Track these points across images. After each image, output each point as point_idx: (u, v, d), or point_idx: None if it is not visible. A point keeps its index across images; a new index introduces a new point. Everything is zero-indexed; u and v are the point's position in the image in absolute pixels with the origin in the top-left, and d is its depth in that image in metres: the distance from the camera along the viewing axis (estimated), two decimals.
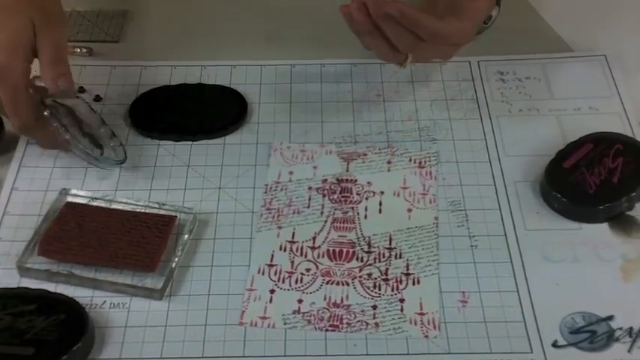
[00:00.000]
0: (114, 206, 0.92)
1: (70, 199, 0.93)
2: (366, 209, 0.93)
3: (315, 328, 0.83)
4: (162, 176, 0.97)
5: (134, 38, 1.16)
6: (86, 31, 1.16)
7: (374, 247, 0.89)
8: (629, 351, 0.81)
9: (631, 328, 0.82)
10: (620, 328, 0.82)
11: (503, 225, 0.92)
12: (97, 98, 1.06)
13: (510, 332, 0.82)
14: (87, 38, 1.15)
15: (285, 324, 0.83)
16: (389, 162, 0.98)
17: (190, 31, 1.16)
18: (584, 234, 0.91)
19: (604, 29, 1.14)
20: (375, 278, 0.87)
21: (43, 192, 0.95)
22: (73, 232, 0.88)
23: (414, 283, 0.86)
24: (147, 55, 1.12)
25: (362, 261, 0.88)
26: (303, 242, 0.90)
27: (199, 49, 1.13)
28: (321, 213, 0.93)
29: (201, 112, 1.03)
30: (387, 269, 0.88)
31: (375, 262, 0.88)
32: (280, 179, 0.96)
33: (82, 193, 0.93)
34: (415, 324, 0.83)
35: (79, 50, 1.12)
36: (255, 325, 0.83)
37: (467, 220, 0.92)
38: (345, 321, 0.83)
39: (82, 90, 1.06)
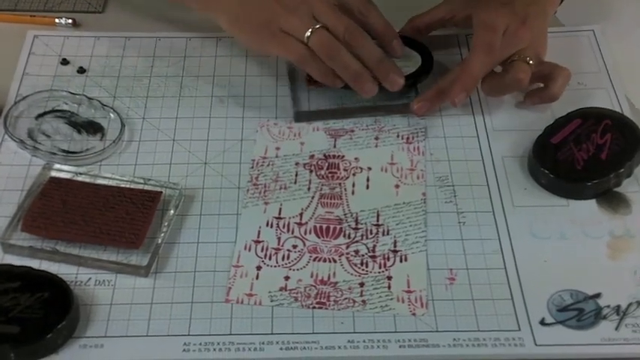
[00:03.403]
0: (98, 181, 0.91)
1: (53, 173, 0.92)
2: (353, 185, 0.93)
3: (302, 305, 0.82)
4: (148, 151, 0.96)
5: (118, 8, 1.14)
6: (69, 1, 1.14)
7: (361, 224, 0.89)
8: (616, 329, 0.81)
9: (618, 306, 0.82)
10: (608, 306, 0.82)
11: (491, 201, 0.92)
12: (81, 70, 1.04)
13: (498, 310, 0.82)
14: (70, 9, 1.13)
15: (271, 301, 0.83)
16: (376, 138, 0.97)
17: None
18: (571, 210, 0.91)
19: (593, 3, 1.13)
20: (363, 255, 0.86)
21: (26, 166, 0.94)
22: (57, 208, 0.87)
23: (401, 261, 0.86)
24: (131, 26, 1.11)
25: (349, 237, 0.88)
26: (289, 218, 0.89)
27: (185, 21, 1.11)
28: (308, 189, 0.92)
29: None
30: (374, 246, 0.87)
31: (362, 239, 0.88)
32: (267, 155, 0.95)
33: (65, 167, 0.92)
34: (402, 302, 0.83)
35: (62, 21, 1.10)
36: (242, 303, 0.82)
37: (455, 196, 0.92)
38: (332, 298, 0.83)
39: (65, 62, 1.05)
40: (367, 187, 0.93)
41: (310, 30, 0.93)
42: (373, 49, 0.97)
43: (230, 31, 0.99)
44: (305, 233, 0.88)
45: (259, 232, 0.88)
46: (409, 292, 0.83)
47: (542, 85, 1.00)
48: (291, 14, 0.94)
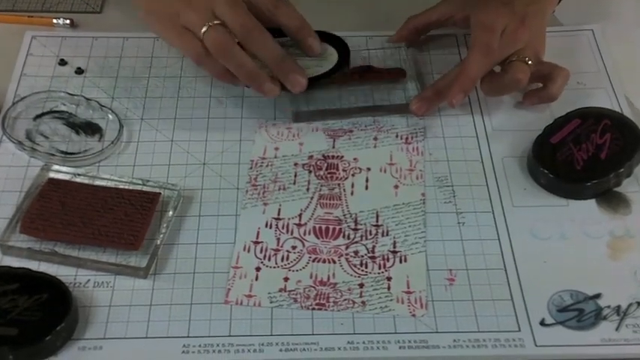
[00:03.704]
0: (97, 182, 0.91)
1: (52, 174, 0.91)
2: (352, 186, 0.92)
3: (302, 306, 0.82)
4: (146, 151, 0.95)
5: (116, 9, 1.14)
6: (67, 1, 1.14)
7: (360, 225, 0.89)
8: (616, 330, 0.81)
9: (619, 307, 0.82)
10: (608, 307, 0.82)
11: (491, 201, 0.91)
12: (79, 71, 1.04)
13: (498, 311, 0.82)
14: (68, 9, 1.13)
15: (271, 302, 0.82)
16: (375, 138, 0.97)
17: None
18: (571, 210, 0.91)
19: (592, 3, 1.13)
20: (362, 256, 0.86)
21: (24, 167, 0.93)
22: (55, 210, 0.87)
23: (400, 261, 0.86)
24: (129, 27, 1.10)
25: (348, 238, 0.88)
26: (289, 219, 0.89)
27: None
28: (307, 189, 0.92)
29: None
30: (373, 247, 0.87)
31: (361, 240, 0.87)
32: (266, 155, 0.95)
33: (64, 168, 0.92)
34: (402, 303, 0.82)
35: (60, 21, 1.10)
36: (241, 304, 0.82)
37: (454, 197, 0.92)
38: (331, 299, 0.83)
39: (63, 62, 1.05)
40: (366, 187, 0.92)
41: (206, 26, 0.91)
42: (272, 47, 0.93)
43: (144, 22, 0.97)
44: (304, 234, 0.88)
45: (258, 233, 0.88)
46: (409, 292, 0.83)
47: (541, 85, 1.00)
48: (191, 9, 0.92)
